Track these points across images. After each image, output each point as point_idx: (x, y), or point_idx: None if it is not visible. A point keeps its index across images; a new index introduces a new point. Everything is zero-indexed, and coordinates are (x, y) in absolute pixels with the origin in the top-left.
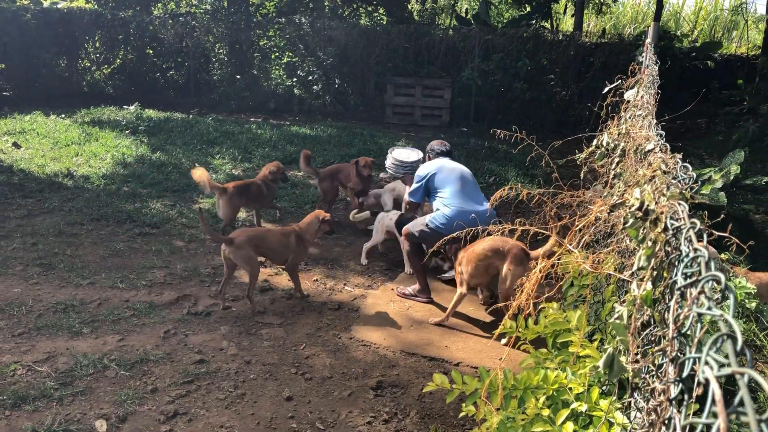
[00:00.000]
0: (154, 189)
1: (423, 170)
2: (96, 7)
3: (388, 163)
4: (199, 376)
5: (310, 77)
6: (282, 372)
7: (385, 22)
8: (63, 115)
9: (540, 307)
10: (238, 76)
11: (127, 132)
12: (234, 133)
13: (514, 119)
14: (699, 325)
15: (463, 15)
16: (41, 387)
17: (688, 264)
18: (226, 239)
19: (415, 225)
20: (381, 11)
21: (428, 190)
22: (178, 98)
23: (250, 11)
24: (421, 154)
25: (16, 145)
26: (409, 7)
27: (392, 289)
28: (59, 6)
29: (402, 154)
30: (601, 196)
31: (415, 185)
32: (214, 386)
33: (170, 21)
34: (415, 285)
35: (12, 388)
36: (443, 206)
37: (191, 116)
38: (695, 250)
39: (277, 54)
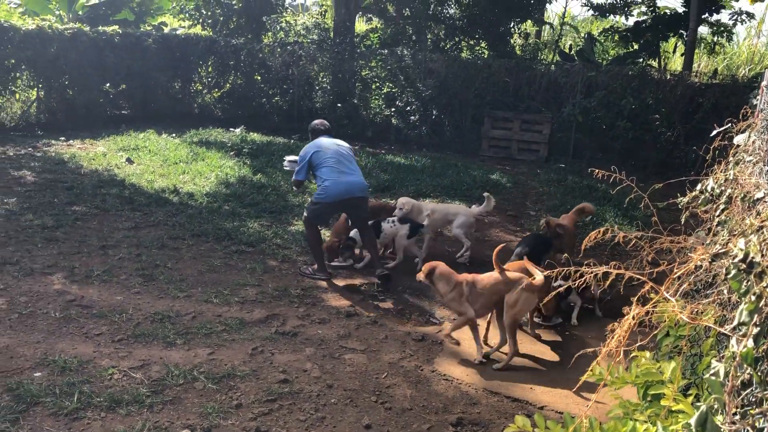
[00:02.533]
0: (253, 209)
1: (304, 150)
2: (211, 33)
3: (285, 163)
4: (282, 395)
5: (408, 108)
6: (362, 399)
7: (486, 56)
8: (174, 135)
9: (631, 355)
10: (339, 105)
11: (231, 153)
12: None
13: (615, 158)
14: None
15: (567, 51)
16: (134, 393)
17: None
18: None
19: (307, 210)
20: (483, 45)
21: (312, 168)
22: (281, 123)
23: (355, 42)
24: None
25: (129, 160)
26: (512, 41)
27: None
28: (178, 32)
29: (293, 156)
30: (703, 244)
31: (299, 166)
32: (295, 407)
33: (278, 49)
34: (314, 265)
35: (108, 392)
36: (321, 181)
37: (292, 141)
38: None
39: (377, 84)
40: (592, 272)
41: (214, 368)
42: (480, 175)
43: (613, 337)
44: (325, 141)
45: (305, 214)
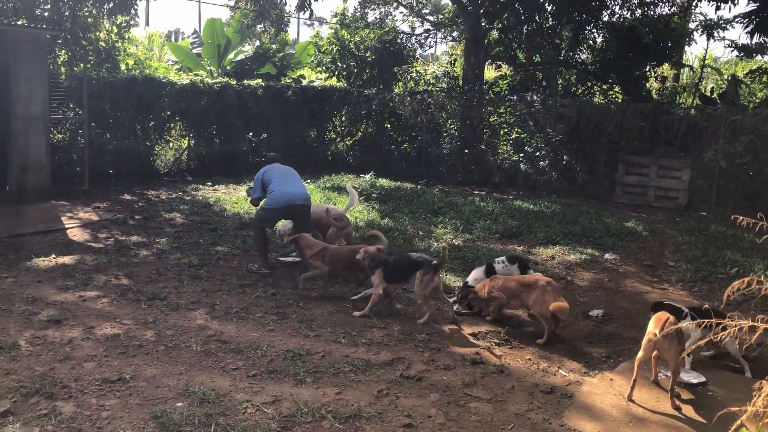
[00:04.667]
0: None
1: (258, 173)
2: (345, 84)
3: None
4: None
5: (538, 153)
6: None
7: (620, 100)
8: (308, 180)
9: None
10: (467, 151)
11: (361, 198)
12: (458, 204)
13: (763, 206)
14: None
15: (708, 94)
16: (266, 427)
17: None
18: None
19: (256, 216)
20: (616, 89)
21: (264, 185)
22: (409, 169)
23: (483, 89)
24: None
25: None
26: (648, 85)
27: (611, 379)
28: (315, 84)
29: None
30: None
31: (254, 186)
32: None
33: (408, 98)
34: (260, 262)
35: (242, 425)
36: (270, 193)
37: (419, 186)
38: None
39: (505, 130)
40: (736, 325)
41: (341, 408)
42: (614, 222)
43: (759, 396)
44: (275, 165)
45: (256, 220)
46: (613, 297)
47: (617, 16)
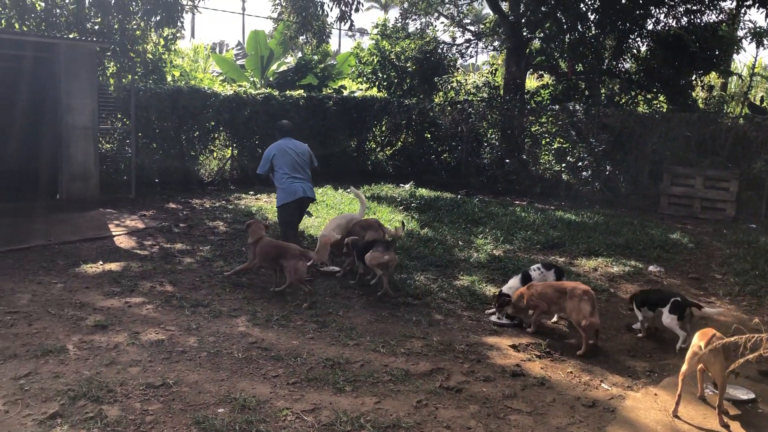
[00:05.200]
0: (420, 262)
1: (269, 151)
2: (386, 95)
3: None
4: None
5: (580, 163)
6: None
7: (665, 110)
8: (348, 190)
9: None
10: (507, 161)
11: (400, 208)
12: (498, 214)
13: None
14: None
15: (758, 103)
16: None
17: None
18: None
19: (278, 219)
20: (661, 99)
21: (272, 166)
22: (448, 179)
23: (525, 99)
24: None
25: (308, 213)
26: (694, 95)
27: (655, 394)
28: (356, 94)
29: None
30: None
31: (262, 162)
32: None
33: (449, 108)
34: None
35: None
36: (278, 186)
37: (459, 197)
38: None
39: (547, 140)
40: None
41: (380, 417)
42: (658, 234)
43: None
44: (285, 145)
45: (279, 221)
46: None
47: (662, 24)
